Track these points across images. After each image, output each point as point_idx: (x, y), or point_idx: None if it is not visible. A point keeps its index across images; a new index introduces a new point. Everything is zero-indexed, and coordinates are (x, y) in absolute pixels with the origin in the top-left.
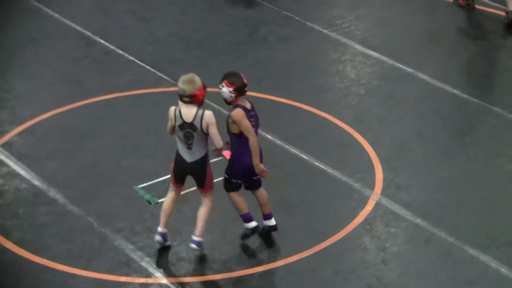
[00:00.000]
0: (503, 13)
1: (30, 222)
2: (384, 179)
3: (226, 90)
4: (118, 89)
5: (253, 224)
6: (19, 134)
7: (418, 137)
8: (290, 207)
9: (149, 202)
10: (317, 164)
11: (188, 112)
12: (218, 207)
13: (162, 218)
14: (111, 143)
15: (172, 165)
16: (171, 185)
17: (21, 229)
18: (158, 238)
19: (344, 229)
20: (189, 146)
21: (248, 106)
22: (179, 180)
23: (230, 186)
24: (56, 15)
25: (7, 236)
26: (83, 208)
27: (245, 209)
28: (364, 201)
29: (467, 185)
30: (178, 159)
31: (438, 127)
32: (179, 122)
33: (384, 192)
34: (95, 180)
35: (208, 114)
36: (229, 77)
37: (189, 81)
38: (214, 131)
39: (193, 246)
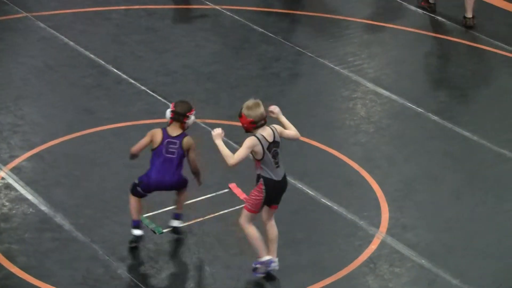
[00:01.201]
0: None
1: (36, 247)
2: (390, 218)
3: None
4: (128, 118)
5: (138, 232)
6: (29, 160)
7: (426, 177)
8: (295, 243)
9: (154, 232)
10: (323, 200)
11: (267, 132)
12: (224, 241)
13: (261, 246)
14: (119, 172)
15: (260, 196)
16: (250, 215)
17: (26, 254)
18: (274, 265)
19: (348, 267)
20: (277, 165)
21: (174, 133)
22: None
23: (135, 191)
24: (71, 43)
25: (13, 260)
26: (89, 236)
27: (135, 216)
28: (369, 240)
29: (474, 228)
30: (269, 184)
31: (446, 168)
32: (266, 145)
33: (389, 232)
34: (102, 208)
35: (276, 125)
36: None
37: (259, 105)
38: (286, 131)
39: (276, 267)
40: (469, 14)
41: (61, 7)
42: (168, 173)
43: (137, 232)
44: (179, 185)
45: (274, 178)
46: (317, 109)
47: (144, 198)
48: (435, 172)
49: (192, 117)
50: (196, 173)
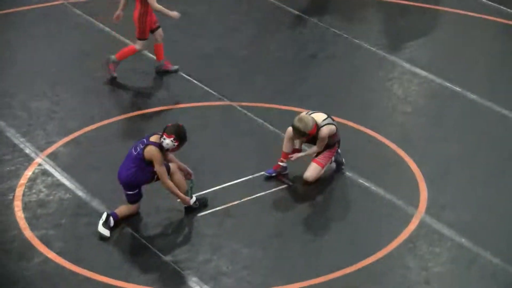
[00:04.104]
0: None
1: (72, 232)
2: (429, 198)
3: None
4: (164, 102)
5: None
6: (65, 145)
7: (464, 157)
8: (332, 224)
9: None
10: (360, 181)
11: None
12: (262, 223)
13: None
14: None
15: (333, 154)
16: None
17: (63, 239)
18: None
19: (387, 247)
20: None
21: (152, 139)
22: None
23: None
24: (107, 29)
25: (49, 246)
26: (125, 220)
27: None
28: (407, 220)
29: None
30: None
31: (485, 147)
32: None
33: (428, 211)
34: None
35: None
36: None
37: (302, 116)
38: None
39: None
40: None
41: None
42: (124, 167)
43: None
44: (127, 184)
45: None
46: (353, 90)
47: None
48: (473, 151)
49: (167, 141)
50: (169, 190)
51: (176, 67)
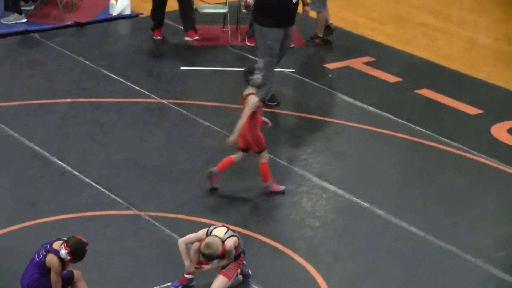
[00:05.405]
0: (463, 153)
1: None
2: None
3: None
4: (70, 210)
5: None
6: None
7: (371, 273)
8: None
9: None
10: None
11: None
12: None
13: None
14: None
15: (239, 266)
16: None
17: None
18: None
19: None
20: None
21: (54, 246)
22: None
23: None
24: (15, 135)
25: None
26: None
27: None
28: None
29: None
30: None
31: (392, 264)
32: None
33: None
34: None
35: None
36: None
37: (206, 245)
38: None
39: None
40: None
41: (6, 99)
42: (27, 273)
43: None
44: None
45: None
46: (261, 204)
47: None
48: (380, 268)
49: (63, 251)
50: None
51: (283, 187)
